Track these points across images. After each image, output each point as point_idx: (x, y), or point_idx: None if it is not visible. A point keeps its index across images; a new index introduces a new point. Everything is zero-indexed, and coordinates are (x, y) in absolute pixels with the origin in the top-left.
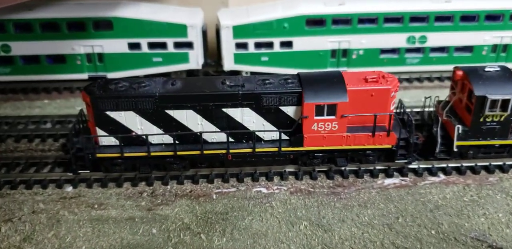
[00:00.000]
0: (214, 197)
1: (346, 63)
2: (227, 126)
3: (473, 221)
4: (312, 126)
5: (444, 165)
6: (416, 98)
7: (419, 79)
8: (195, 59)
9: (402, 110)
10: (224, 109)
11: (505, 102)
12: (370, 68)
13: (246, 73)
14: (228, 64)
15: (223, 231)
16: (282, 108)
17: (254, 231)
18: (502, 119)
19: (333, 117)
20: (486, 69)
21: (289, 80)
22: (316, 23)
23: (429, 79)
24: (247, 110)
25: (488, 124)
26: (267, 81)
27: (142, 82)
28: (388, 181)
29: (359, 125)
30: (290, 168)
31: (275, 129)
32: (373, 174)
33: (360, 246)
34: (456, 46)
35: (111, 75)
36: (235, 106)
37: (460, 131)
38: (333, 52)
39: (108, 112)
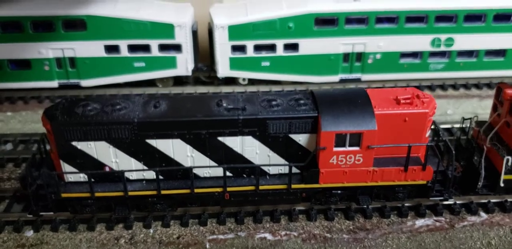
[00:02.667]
0: (207, 246)
1: (360, 68)
2: (224, 158)
3: None
4: (331, 159)
5: (485, 201)
6: (440, 110)
7: (442, 87)
8: (184, 64)
9: (436, 132)
10: (220, 138)
11: None
12: (388, 74)
13: (244, 80)
14: (223, 69)
15: None
16: (293, 136)
17: None
18: None
19: (357, 148)
20: None
21: (302, 101)
22: (326, 23)
23: (454, 87)
24: (249, 139)
25: None
26: (273, 103)
27: (117, 104)
28: (419, 222)
29: (389, 156)
30: (300, 206)
31: (283, 161)
32: (402, 214)
33: None
34: (487, 49)
35: (85, 82)
36: (234, 134)
37: (509, 163)
38: (346, 56)
39: (74, 143)
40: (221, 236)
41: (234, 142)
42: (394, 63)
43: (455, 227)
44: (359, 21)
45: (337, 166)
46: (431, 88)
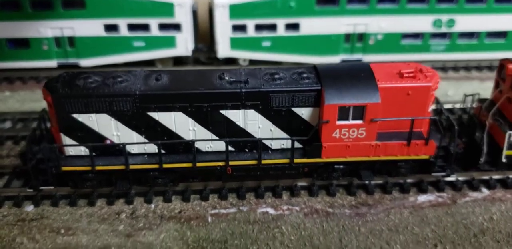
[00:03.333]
0: (209, 220)
1: (361, 49)
2: (226, 132)
3: None
4: (334, 133)
5: (487, 177)
6: (441, 91)
7: (443, 69)
8: (184, 44)
9: (438, 110)
10: (222, 112)
11: None
12: (389, 55)
13: (244, 60)
14: (223, 50)
15: None
16: (296, 110)
17: None
18: None
19: (360, 121)
20: None
21: (304, 75)
22: (328, 2)
23: (455, 69)
24: (251, 113)
25: None
26: (276, 76)
27: (119, 77)
28: (422, 198)
29: (392, 130)
30: (302, 182)
31: (286, 135)
32: (404, 189)
33: None
34: (488, 31)
35: (84, 62)
36: (237, 108)
37: (511, 139)
38: (347, 37)
39: (75, 115)
40: (223, 211)
41: (237, 116)
42: (396, 44)
43: (457, 203)
44: (361, 1)
45: (340, 140)
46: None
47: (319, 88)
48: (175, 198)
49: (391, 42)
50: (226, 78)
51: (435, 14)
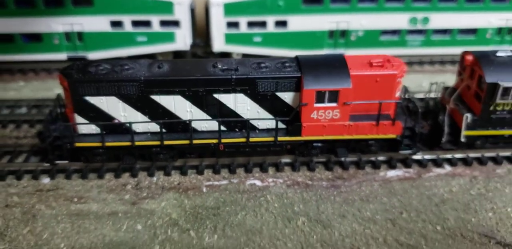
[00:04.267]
0: (204, 190)
1: (344, 44)
2: (218, 113)
3: (481, 216)
4: (312, 114)
5: (450, 156)
6: (416, 83)
7: (419, 63)
8: (183, 39)
9: (406, 97)
10: (215, 95)
11: None
12: (369, 50)
13: (238, 54)
14: (218, 44)
15: (214, 227)
16: (279, 94)
17: (248, 227)
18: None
19: (334, 104)
20: (498, 54)
21: (287, 64)
22: (313, 1)
23: (430, 63)
24: (240, 96)
25: (499, 113)
26: (262, 65)
27: (126, 65)
28: (391, 173)
29: (362, 113)
30: (286, 159)
31: (271, 117)
32: (375, 166)
33: (361, 243)
34: (460, 28)
35: (91, 55)
36: (228, 92)
37: (468, 120)
38: (331, 33)
39: (87, 98)
40: (216, 182)
41: (228, 99)
42: (375, 40)
43: (422, 177)
44: (343, 0)
45: (317, 120)
46: (408, 64)
47: (299, 75)
48: (175, 172)
49: (371, 38)
50: (219, 66)
51: (411, 12)
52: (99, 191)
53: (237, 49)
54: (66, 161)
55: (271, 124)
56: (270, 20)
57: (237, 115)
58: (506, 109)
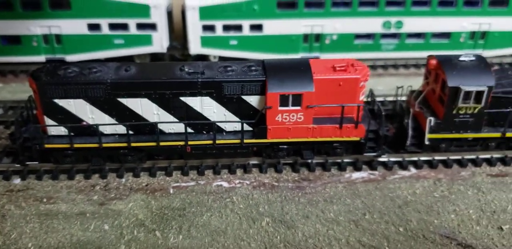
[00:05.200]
0: (171, 191)
1: (319, 48)
2: (185, 116)
3: (443, 218)
4: (276, 117)
5: (415, 159)
6: (391, 86)
7: (394, 66)
8: (159, 42)
9: (372, 100)
10: (182, 98)
11: (479, 94)
12: (344, 54)
13: (214, 57)
14: (195, 47)
15: (180, 228)
16: (245, 97)
17: (212, 228)
18: (475, 111)
19: (298, 107)
20: (461, 59)
21: (253, 68)
22: (287, 6)
23: (405, 66)
24: (207, 99)
25: (461, 116)
26: (229, 68)
27: (94, 68)
28: (356, 175)
29: (326, 116)
30: (254, 161)
31: (237, 119)
32: (341, 167)
33: (324, 243)
34: (433, 32)
35: (70, 57)
36: (194, 95)
37: (432, 124)
38: (306, 37)
39: (56, 100)
40: (183, 184)
41: (194, 102)
42: (349, 44)
43: (386, 179)
44: (317, 5)
45: (282, 123)
46: (383, 67)
47: (264, 79)
48: (144, 174)
49: (345, 41)
50: (186, 69)
51: (385, 17)
52: (68, 191)
53: (214, 52)
54: (36, 162)
55: (238, 126)
56: (246, 24)
57: (204, 118)
58: (468, 112)
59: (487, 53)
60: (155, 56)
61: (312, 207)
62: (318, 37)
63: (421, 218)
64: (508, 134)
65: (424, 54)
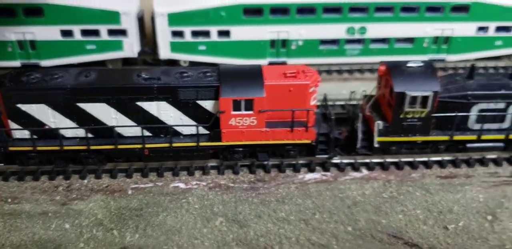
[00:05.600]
0: (129, 192)
1: (285, 53)
2: (143, 120)
3: (391, 218)
4: (230, 121)
5: (368, 160)
6: (356, 90)
7: (360, 71)
8: (130, 47)
9: (325, 105)
10: (139, 103)
11: (425, 99)
12: (310, 59)
13: (185, 62)
14: (164, 52)
15: (136, 227)
16: (200, 102)
17: (168, 227)
18: (423, 115)
19: (250, 112)
20: (409, 65)
21: (208, 74)
22: (253, 13)
23: (371, 71)
24: (163, 104)
25: (409, 120)
26: (185, 74)
27: (55, 74)
28: (309, 176)
29: (279, 120)
30: (212, 163)
31: (193, 123)
32: (296, 169)
33: (275, 242)
34: (397, 37)
35: (44, 62)
36: (151, 100)
37: (380, 127)
38: (272, 43)
39: (19, 105)
40: (142, 185)
41: (151, 106)
42: (315, 49)
43: (338, 180)
44: (282, 12)
45: (236, 127)
46: (349, 71)
47: (218, 84)
48: (105, 175)
49: (311, 47)
50: (143, 75)
51: (348, 23)
52: (32, 192)
53: (183, 57)
54: (2, 164)
55: (194, 130)
56: (213, 30)
57: (161, 122)
58: (416, 116)
59: (451, 58)
60: (127, 61)
61: (264, 207)
62: (285, 43)
63: (369, 218)
64: (456, 137)
65: (388, 58)
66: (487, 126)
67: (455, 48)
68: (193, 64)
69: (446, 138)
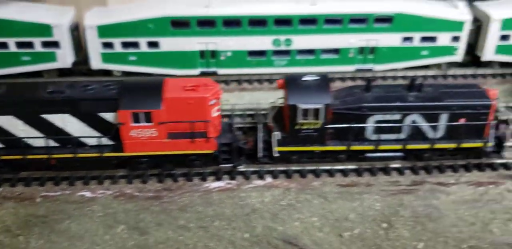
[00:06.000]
0: (38, 200)
1: (215, 64)
2: (50, 132)
3: (287, 225)
4: (131, 133)
5: (272, 169)
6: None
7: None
8: (63, 58)
9: (231, 115)
10: (44, 115)
11: (316, 111)
12: (239, 69)
13: (118, 72)
14: (96, 63)
15: (41, 233)
16: (101, 114)
17: (71, 234)
18: (318, 126)
19: (150, 124)
20: (304, 79)
21: (111, 87)
22: (181, 25)
23: None
24: (67, 116)
25: (304, 131)
26: (89, 87)
27: None
28: (214, 184)
29: (182, 131)
30: (122, 172)
31: (97, 134)
32: (203, 178)
33: (174, 248)
34: (323, 48)
35: None
36: (55, 112)
37: (278, 138)
38: (202, 53)
39: None
40: (51, 193)
41: (56, 119)
42: (243, 60)
43: (241, 188)
44: (209, 24)
45: (137, 138)
46: (269, 81)
47: (117, 97)
48: (19, 184)
49: (239, 58)
50: (49, 89)
51: (274, 35)
52: None
53: (115, 67)
54: None
55: (99, 141)
56: (142, 41)
57: (66, 133)
58: (311, 128)
59: (378, 67)
60: (62, 72)
61: (165, 215)
62: (214, 54)
63: (266, 225)
64: (353, 147)
65: (315, 69)
66: (384, 136)
67: (381, 58)
68: (126, 74)
69: (343, 148)
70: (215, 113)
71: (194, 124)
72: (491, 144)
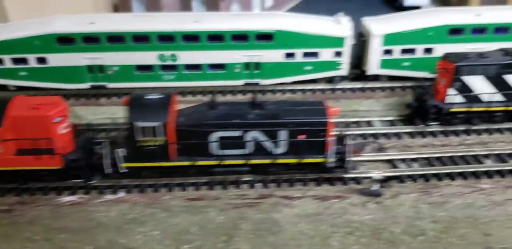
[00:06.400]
0: None
1: (104, 78)
2: None
3: (130, 238)
4: None
5: (127, 184)
6: None
7: (192, 93)
8: None
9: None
10: None
11: (154, 129)
12: (128, 83)
13: (14, 86)
14: None
15: None
16: None
17: None
18: (161, 143)
19: None
20: (148, 97)
21: None
22: (66, 41)
23: (202, 93)
24: None
25: (147, 148)
26: None
27: None
28: (67, 198)
29: (31, 147)
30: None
31: None
32: (59, 192)
33: None
34: (209, 63)
35: None
36: None
37: (124, 154)
38: (90, 68)
39: None
40: None
41: None
42: (131, 74)
43: (90, 203)
44: (94, 40)
45: None
46: (182, 93)
47: None
48: None
49: (127, 72)
50: None
51: (159, 50)
52: None
53: (7, 82)
54: None
55: None
56: (31, 57)
57: None
58: (154, 144)
59: (264, 82)
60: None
61: (14, 229)
62: (102, 68)
63: (109, 238)
64: (199, 163)
65: (203, 83)
66: (229, 152)
67: (266, 73)
68: (20, 88)
69: (189, 163)
70: (62, 130)
71: (38, 141)
72: (332, 160)
